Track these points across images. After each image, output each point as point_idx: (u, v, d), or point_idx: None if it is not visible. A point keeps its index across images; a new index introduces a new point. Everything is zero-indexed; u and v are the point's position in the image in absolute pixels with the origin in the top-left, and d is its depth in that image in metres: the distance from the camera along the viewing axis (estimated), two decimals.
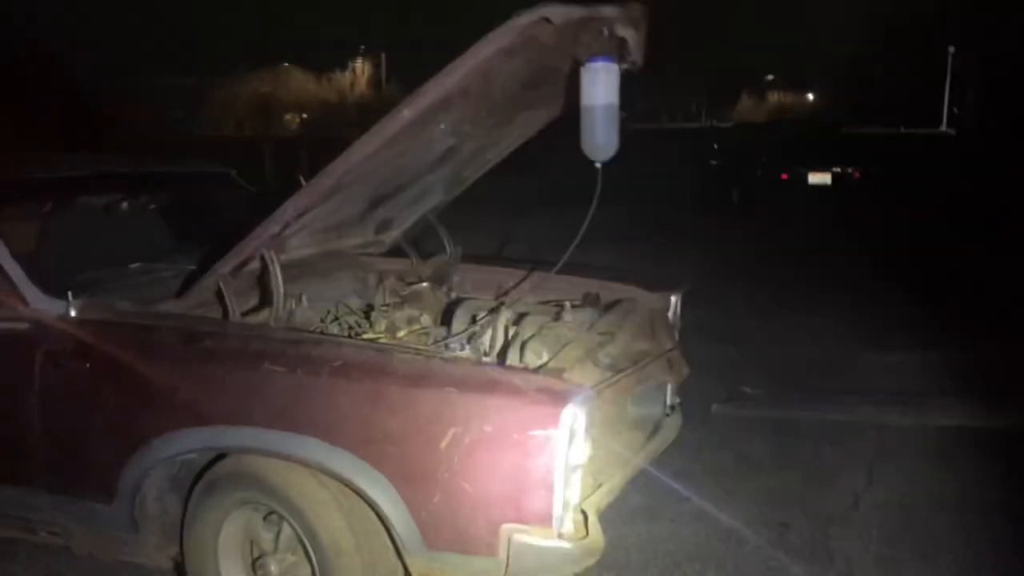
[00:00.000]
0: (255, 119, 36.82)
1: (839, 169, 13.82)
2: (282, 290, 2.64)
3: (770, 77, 52.78)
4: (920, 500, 3.65)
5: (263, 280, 2.76)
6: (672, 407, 3.05)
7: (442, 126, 2.77)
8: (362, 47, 43.73)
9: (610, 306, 3.28)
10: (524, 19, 2.28)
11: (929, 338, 6.15)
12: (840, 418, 4.62)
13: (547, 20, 2.31)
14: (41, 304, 2.58)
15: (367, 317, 3.25)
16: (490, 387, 2.19)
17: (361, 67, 44.78)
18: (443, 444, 2.15)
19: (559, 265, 3.21)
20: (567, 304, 3.18)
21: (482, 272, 3.74)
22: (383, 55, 42.92)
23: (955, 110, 35.29)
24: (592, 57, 2.69)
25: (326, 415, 2.26)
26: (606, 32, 2.67)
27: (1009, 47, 26.39)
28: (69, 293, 2.56)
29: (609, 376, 2.67)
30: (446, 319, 3.25)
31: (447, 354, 2.85)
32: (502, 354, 2.84)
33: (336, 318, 3.24)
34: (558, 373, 2.45)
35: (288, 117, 39.04)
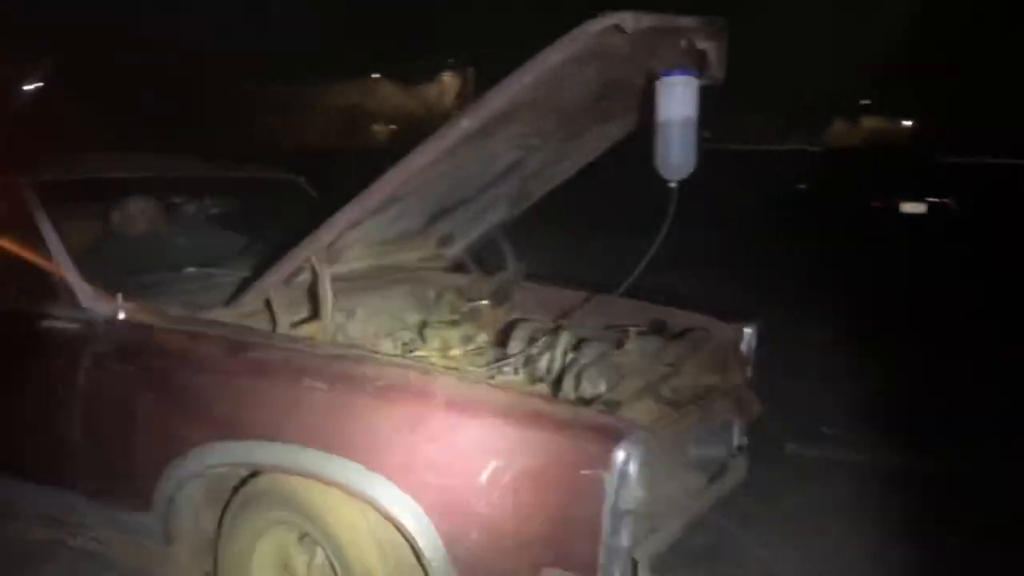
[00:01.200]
0: (344, 129, 37.56)
1: (935, 199, 13.18)
2: (331, 303, 2.54)
3: (866, 102, 51.19)
4: None
5: (314, 291, 2.67)
6: (739, 448, 2.84)
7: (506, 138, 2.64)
8: (451, 60, 44.21)
9: (678, 335, 3.09)
10: (594, 26, 2.14)
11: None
12: (926, 464, 4.28)
13: (619, 28, 2.15)
14: (92, 304, 2.55)
15: (421, 334, 3.13)
16: (536, 419, 2.03)
17: (450, 80, 45.27)
18: (483, 477, 2.01)
19: (623, 287, 3.03)
20: (631, 331, 3.00)
21: (545, 292, 3.58)
22: (471, 69, 43.30)
23: None
24: (669, 70, 2.54)
25: (364, 437, 2.14)
26: (684, 44, 2.52)
27: None
28: (119, 295, 2.52)
29: (670, 412, 2.48)
30: (503, 340, 3.10)
31: (497, 379, 2.72)
32: (557, 381, 2.68)
33: (390, 333, 3.13)
34: (613, 407, 2.28)
35: (376, 128, 39.71)
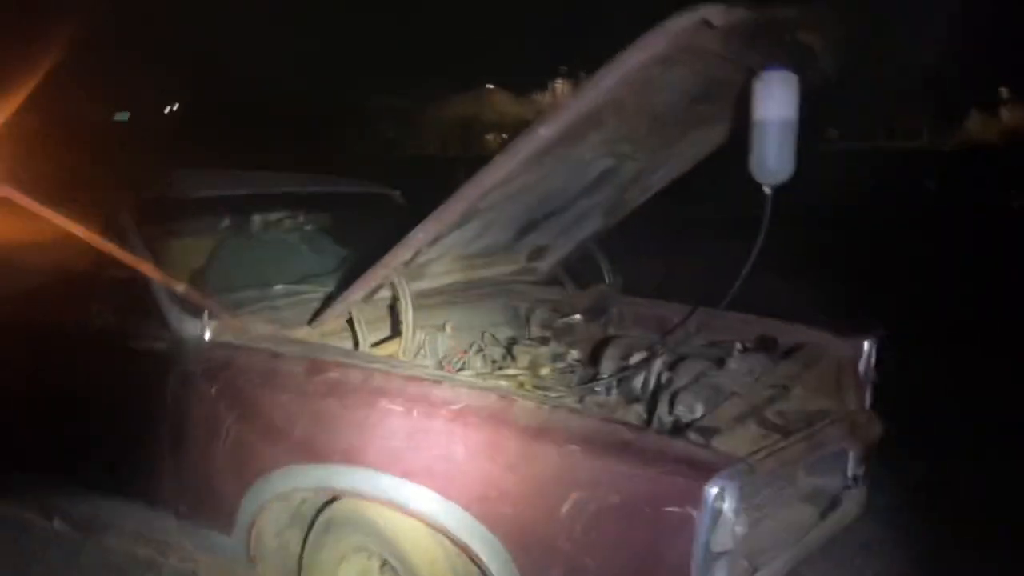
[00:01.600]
0: (459, 139, 38.26)
1: None
2: (412, 321, 2.46)
3: (1004, 92, 47.65)
4: None
5: (395, 308, 2.60)
6: (855, 478, 2.58)
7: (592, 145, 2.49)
8: (563, 68, 44.36)
9: (788, 352, 2.86)
10: (679, 22, 1.96)
11: None
12: None
13: (707, 23, 1.97)
14: (179, 324, 2.56)
15: (511, 351, 3.01)
16: (620, 449, 1.88)
17: (561, 88, 45.35)
18: (563, 510, 1.87)
19: (726, 300, 2.83)
20: (735, 348, 2.80)
21: (643, 306, 3.41)
22: (583, 75, 43.22)
23: None
24: (769, 65, 2.34)
25: (440, 463, 2.05)
26: (786, 37, 2.31)
27: None
28: (205, 314, 2.52)
29: (776, 440, 2.27)
30: (596, 357, 2.95)
31: (588, 400, 2.58)
32: (651, 404, 2.51)
33: (480, 349, 3.04)
34: (709, 435, 2.10)
35: (489, 137, 40.22)
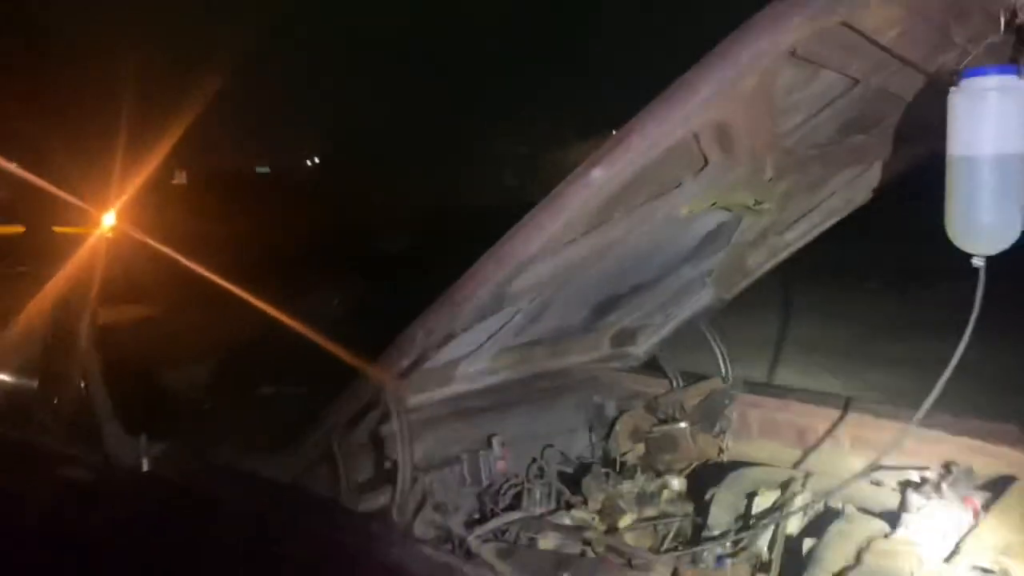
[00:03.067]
0: None
1: None
2: (409, 459, 1.65)
3: None
4: None
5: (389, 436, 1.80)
6: None
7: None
8: None
9: (991, 490, 1.88)
10: None
11: None
12: None
13: None
14: (115, 449, 1.86)
15: (581, 483, 2.13)
16: None
17: None
18: None
19: (920, 412, 1.89)
20: (910, 483, 1.87)
21: (773, 408, 2.46)
22: None
23: None
24: (972, 69, 1.48)
25: None
26: (1003, 19, 1.46)
27: None
28: (143, 436, 1.81)
29: None
30: (704, 494, 2.05)
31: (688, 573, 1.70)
32: None
33: (541, 473, 2.18)
34: None
35: None
